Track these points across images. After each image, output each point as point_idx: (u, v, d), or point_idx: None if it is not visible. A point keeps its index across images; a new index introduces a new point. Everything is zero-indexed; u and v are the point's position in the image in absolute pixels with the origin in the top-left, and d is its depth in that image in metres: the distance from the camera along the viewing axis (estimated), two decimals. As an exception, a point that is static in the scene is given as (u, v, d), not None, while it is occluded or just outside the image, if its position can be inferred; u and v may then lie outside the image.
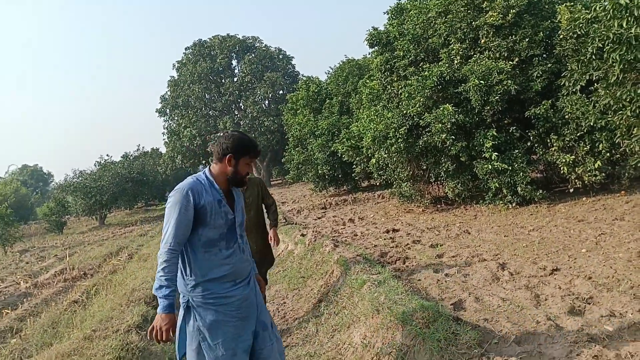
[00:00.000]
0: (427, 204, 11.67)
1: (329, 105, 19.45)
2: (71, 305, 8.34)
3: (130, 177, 29.81)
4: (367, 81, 14.34)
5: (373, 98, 12.91)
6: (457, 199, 10.77)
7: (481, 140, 9.71)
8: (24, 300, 9.63)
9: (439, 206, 11.50)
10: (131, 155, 39.29)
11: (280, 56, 41.72)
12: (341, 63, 21.53)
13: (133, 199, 31.48)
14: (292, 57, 42.37)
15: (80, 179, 28.10)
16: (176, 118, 39.89)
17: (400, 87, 11.20)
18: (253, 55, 40.39)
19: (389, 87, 11.91)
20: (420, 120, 10.30)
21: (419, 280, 5.69)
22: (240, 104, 40.20)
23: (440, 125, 9.74)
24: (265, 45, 41.86)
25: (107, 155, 39.10)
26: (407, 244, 7.90)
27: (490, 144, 9.54)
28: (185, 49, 41.66)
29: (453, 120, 9.64)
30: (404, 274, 6.02)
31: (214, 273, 2.63)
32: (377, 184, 14.81)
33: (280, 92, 39.04)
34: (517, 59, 9.97)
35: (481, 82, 9.60)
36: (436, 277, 5.65)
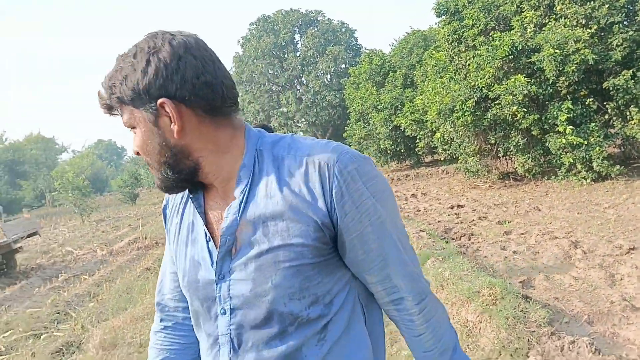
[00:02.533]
0: (495, 180, 11.30)
1: (392, 78, 19.06)
2: (144, 272, 8.80)
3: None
4: (433, 52, 13.90)
5: (439, 70, 12.51)
6: (527, 174, 10.34)
7: (555, 112, 9.22)
8: (100, 266, 10.26)
9: (506, 182, 11.10)
10: (198, 130, 40.48)
11: (343, 29, 41.22)
12: (406, 34, 20.99)
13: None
14: (355, 30, 41.78)
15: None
16: (240, 94, 40.63)
17: (468, 57, 10.78)
18: (316, 29, 40.18)
19: (456, 58, 11.49)
20: (490, 92, 9.90)
21: (485, 257, 5.56)
22: (303, 79, 40.33)
23: (511, 97, 9.31)
24: (328, 18, 41.48)
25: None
26: (473, 220, 7.72)
27: (565, 117, 9.03)
28: (250, 24, 42.09)
29: (525, 91, 9.19)
30: (469, 250, 5.90)
31: None
32: (442, 159, 14.45)
33: (343, 65, 38.72)
34: (595, 27, 9.28)
35: (556, 51, 9.06)
36: (503, 254, 5.49)
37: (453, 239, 6.62)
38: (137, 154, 1.00)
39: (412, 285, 1.01)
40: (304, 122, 39.81)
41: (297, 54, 40.71)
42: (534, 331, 3.08)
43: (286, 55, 40.81)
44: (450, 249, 5.35)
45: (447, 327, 1.06)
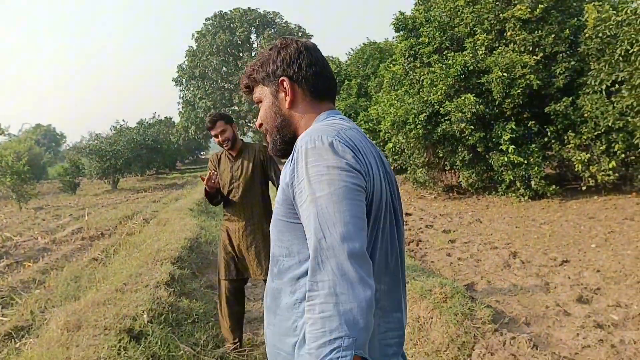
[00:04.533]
0: (440, 192, 11.88)
1: (347, 86, 19.56)
2: (91, 262, 8.64)
3: (145, 143, 30.12)
4: (390, 65, 14.43)
5: (394, 82, 13.03)
6: (470, 188, 10.97)
7: (499, 132, 9.87)
8: (44, 254, 9.96)
9: (451, 194, 11.71)
10: (146, 122, 39.57)
11: (300, 34, 41.58)
12: (362, 45, 21.54)
13: (146, 165, 31.81)
14: (312, 35, 42.29)
15: (96, 141, 28.48)
16: (192, 89, 40.09)
17: (423, 73, 11.32)
18: (273, 30, 40.33)
19: (411, 72, 12.03)
20: (441, 108, 10.45)
21: (432, 262, 5.94)
22: (257, 79, 40.25)
23: (461, 114, 9.89)
24: (286, 21, 41.77)
25: (123, 120, 39.40)
26: (420, 227, 8.15)
27: (509, 136, 9.69)
28: (206, 19, 41.64)
29: (474, 110, 9.78)
30: (417, 255, 6.28)
31: None
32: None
33: (298, 69, 38.94)
34: (541, 54, 10.05)
35: (504, 74, 9.72)
36: (449, 260, 5.90)
37: (402, 244, 6.99)
38: (259, 126, 1.38)
39: (312, 270, 1.05)
40: (255, 122, 39.74)
41: (253, 53, 40.64)
42: (479, 327, 3.42)
43: (241, 54, 40.67)
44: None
45: (331, 314, 0.98)
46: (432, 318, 3.61)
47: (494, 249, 6.32)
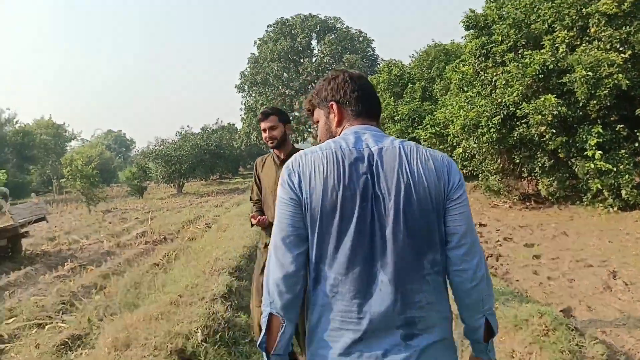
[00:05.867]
0: (515, 201, 11.03)
1: (411, 90, 18.86)
2: (152, 268, 8.56)
3: (208, 149, 30.67)
4: (458, 66, 13.68)
5: (464, 84, 12.29)
6: (550, 197, 10.06)
7: (584, 136, 8.96)
8: (107, 258, 10.03)
9: (527, 204, 10.83)
10: (210, 128, 40.41)
11: (361, 38, 41.14)
12: (427, 47, 20.79)
13: (209, 170, 32.39)
14: (373, 40, 41.68)
15: (162, 147, 29.29)
16: (254, 95, 40.51)
17: (496, 73, 10.55)
18: (333, 36, 40.09)
19: (482, 73, 11.26)
20: (517, 110, 9.65)
21: (518, 280, 5.29)
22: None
23: (540, 116, 9.07)
24: (346, 26, 41.41)
25: (188, 126, 40.48)
26: (498, 240, 7.46)
27: (595, 141, 8.77)
28: (268, 26, 42.00)
29: (555, 112, 8.94)
30: (499, 272, 5.64)
31: None
32: (459, 175, 14.17)
33: (358, 74, 38.50)
34: (630, 52, 9.03)
35: (589, 73, 8.81)
36: (537, 280, 5.23)
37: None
38: (320, 141, 1.58)
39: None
40: (315, 128, 39.59)
41: (313, 59, 40.61)
42: (593, 369, 2.82)
43: (302, 60, 40.72)
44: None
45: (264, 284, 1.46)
46: (530, 354, 3.04)
47: (588, 267, 5.58)
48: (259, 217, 3.36)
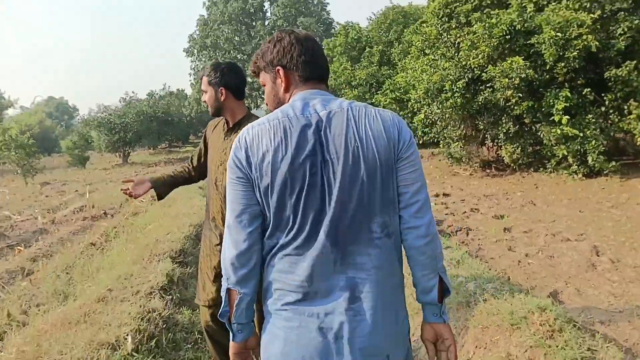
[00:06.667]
0: (476, 168, 10.66)
1: (369, 54, 18.14)
2: (88, 248, 7.70)
3: (155, 116, 29.01)
4: (419, 28, 13.02)
5: (426, 47, 11.65)
6: (512, 164, 9.71)
7: (551, 101, 8.58)
8: (40, 237, 9.07)
9: (488, 171, 10.48)
10: (157, 94, 38.35)
11: (315, 1, 39.80)
12: (384, 9, 20.01)
13: (157, 138, 30.79)
14: (328, 3, 40.42)
15: (104, 114, 27.47)
16: (204, 59, 38.69)
17: (461, 34, 9.96)
18: (287, -2, 38.55)
19: (445, 34, 10.66)
20: (483, 74, 9.14)
21: (493, 259, 4.81)
22: (271, 49, 38.73)
23: (507, 80, 8.59)
24: (300, -13, 39.88)
25: (133, 92, 38.33)
26: (465, 212, 7.00)
27: (562, 105, 8.40)
28: (218, -14, 39.94)
29: (522, 75, 8.48)
30: (472, 248, 5.15)
31: None
32: (420, 142, 13.64)
33: (313, 39, 37.39)
34: (599, 12, 8.63)
35: (558, 34, 8.37)
36: (514, 257, 4.76)
37: (449, 234, 5.85)
38: (266, 104, 1.60)
39: None
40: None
41: (266, 22, 39.07)
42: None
43: (254, 23, 39.12)
44: (456, 249, 4.55)
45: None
46: (533, 360, 2.50)
47: (566, 241, 5.16)
48: (130, 190, 2.79)
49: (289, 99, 1.47)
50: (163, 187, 2.88)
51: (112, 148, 26.75)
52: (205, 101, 2.65)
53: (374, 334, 1.32)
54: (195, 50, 39.67)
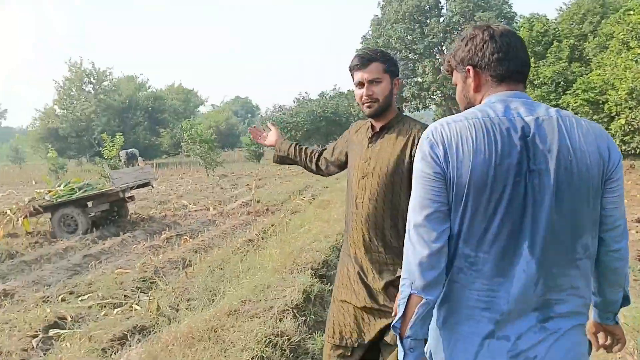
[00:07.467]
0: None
1: (557, 49, 16.02)
2: (245, 244, 7.87)
3: (324, 115, 29.94)
4: (622, 17, 10.96)
5: (631, 38, 9.68)
6: None
7: None
8: (206, 228, 9.63)
9: None
10: (327, 94, 39.68)
11: (496, -5, 37.18)
12: (578, -2, 17.58)
13: (325, 137, 31.83)
14: (510, -5, 37.43)
15: (279, 113, 29.15)
16: (375, 59, 38.82)
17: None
18: (464, -7, 36.64)
19: (661, 22, 8.69)
20: None
21: None
22: (444, 47, 37.28)
23: None
24: (480, -19, 37.58)
25: (306, 92, 40.16)
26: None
27: None
28: (393, -14, 39.68)
29: None
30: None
31: None
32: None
33: (491, 35, 35.00)
34: None
35: None
36: None
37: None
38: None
39: None
40: (439, 95, 37.06)
41: (441, 19, 37.67)
42: None
43: (428, 20, 37.99)
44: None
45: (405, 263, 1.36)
46: None
47: None
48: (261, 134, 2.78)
49: (480, 100, 1.41)
50: (283, 155, 2.64)
51: (284, 145, 28.30)
52: (370, 95, 2.05)
53: (568, 354, 1.29)
54: (368, 51, 40.02)
